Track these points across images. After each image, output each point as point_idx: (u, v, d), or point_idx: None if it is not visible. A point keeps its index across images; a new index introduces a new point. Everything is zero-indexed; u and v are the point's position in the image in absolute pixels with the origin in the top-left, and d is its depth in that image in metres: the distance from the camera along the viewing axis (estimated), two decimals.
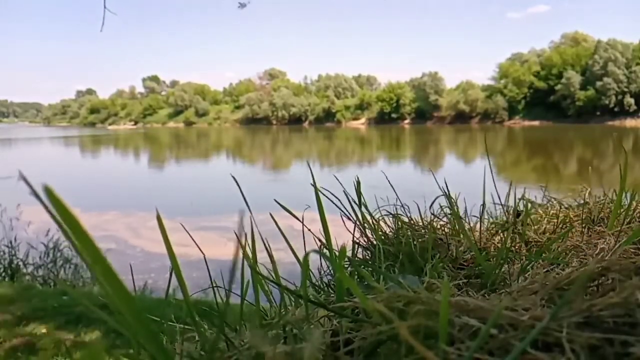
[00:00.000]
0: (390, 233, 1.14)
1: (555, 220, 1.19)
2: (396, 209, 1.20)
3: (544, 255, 0.93)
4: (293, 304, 0.75)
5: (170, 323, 0.81)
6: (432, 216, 1.19)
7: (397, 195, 1.25)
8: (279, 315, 0.66)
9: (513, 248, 1.03)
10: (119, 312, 0.48)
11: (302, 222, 0.98)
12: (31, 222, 7.96)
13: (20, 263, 7.75)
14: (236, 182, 0.88)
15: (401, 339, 0.47)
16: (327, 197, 0.99)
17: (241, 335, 0.66)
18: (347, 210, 1.07)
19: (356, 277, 0.91)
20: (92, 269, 0.43)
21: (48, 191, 0.37)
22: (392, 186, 1.30)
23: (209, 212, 14.40)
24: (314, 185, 0.87)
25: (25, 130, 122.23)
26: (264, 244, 0.86)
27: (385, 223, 1.17)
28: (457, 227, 1.10)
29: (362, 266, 0.99)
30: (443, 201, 1.21)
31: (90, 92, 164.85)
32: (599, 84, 73.21)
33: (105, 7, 6.02)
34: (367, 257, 1.05)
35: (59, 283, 7.34)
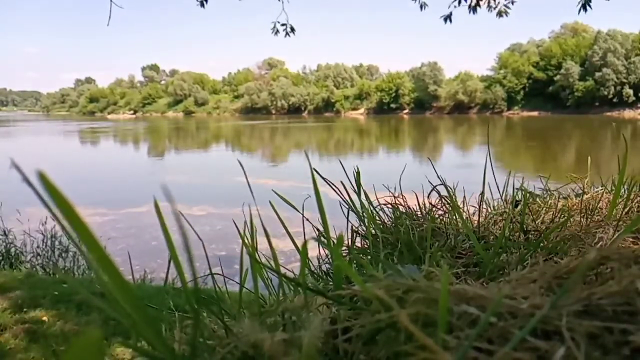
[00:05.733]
0: (389, 222, 1.14)
1: (554, 210, 1.19)
2: (395, 198, 1.20)
3: (542, 244, 0.93)
4: (292, 291, 0.75)
5: (170, 311, 0.81)
6: (431, 205, 1.19)
7: (399, 184, 1.25)
8: (278, 303, 0.66)
9: (511, 237, 1.03)
10: (116, 301, 0.48)
11: (301, 212, 0.97)
12: (31, 208, 7.93)
13: (19, 251, 7.75)
14: (242, 167, 0.88)
15: (400, 327, 0.47)
16: (328, 183, 0.99)
17: (240, 323, 0.66)
18: (346, 200, 1.07)
19: (354, 265, 0.91)
20: (87, 257, 0.43)
21: (42, 177, 0.37)
22: (385, 179, 1.30)
23: (209, 201, 14.41)
24: (312, 174, 0.86)
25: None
26: (264, 232, 0.86)
27: (384, 212, 1.17)
28: (455, 216, 1.10)
29: (361, 255, 0.99)
30: (442, 190, 1.20)
31: (89, 80, 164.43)
32: (598, 74, 73.03)
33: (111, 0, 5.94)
34: (366, 245, 1.05)
35: (56, 271, 7.35)
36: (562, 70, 76.32)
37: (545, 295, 0.54)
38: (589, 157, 1.80)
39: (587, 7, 7.93)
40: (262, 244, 0.85)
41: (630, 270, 0.51)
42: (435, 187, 1.20)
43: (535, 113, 78.28)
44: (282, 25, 8.37)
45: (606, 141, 34.63)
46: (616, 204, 1.12)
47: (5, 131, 63.46)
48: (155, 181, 19.88)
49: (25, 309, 5.02)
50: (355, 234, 1.07)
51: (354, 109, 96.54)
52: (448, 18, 8.73)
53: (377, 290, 0.51)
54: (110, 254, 0.45)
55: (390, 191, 1.22)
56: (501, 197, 1.30)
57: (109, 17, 5.94)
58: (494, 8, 8.73)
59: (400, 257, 0.95)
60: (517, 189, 1.28)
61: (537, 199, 1.34)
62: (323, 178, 0.93)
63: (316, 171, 0.87)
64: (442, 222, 1.10)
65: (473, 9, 8.60)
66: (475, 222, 1.13)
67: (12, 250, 7.71)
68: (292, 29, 8.52)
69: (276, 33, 8.49)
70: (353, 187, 1.09)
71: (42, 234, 7.80)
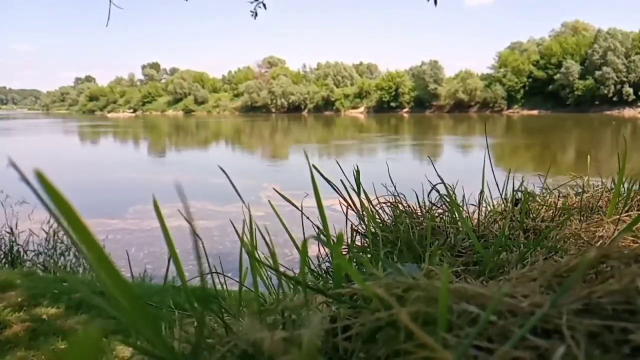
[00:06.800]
0: (389, 221, 1.14)
1: (554, 209, 1.19)
2: (395, 197, 1.20)
3: (542, 243, 0.93)
4: (291, 290, 0.75)
5: (169, 309, 0.81)
6: (431, 204, 1.19)
7: (395, 183, 1.25)
8: (278, 302, 0.65)
9: (511, 236, 1.03)
10: (116, 299, 0.48)
11: (301, 210, 0.97)
12: (33, 207, 7.89)
13: (21, 250, 7.74)
14: (224, 172, 0.87)
15: (400, 325, 0.47)
16: (328, 182, 0.99)
17: (240, 322, 0.66)
18: (346, 198, 1.07)
19: (354, 264, 0.91)
20: (86, 255, 0.43)
21: (40, 176, 0.37)
22: (385, 178, 1.30)
23: (209, 199, 14.40)
24: (311, 173, 0.86)
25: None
26: (263, 231, 0.86)
27: (384, 211, 1.17)
28: (455, 214, 1.10)
29: (361, 253, 0.99)
30: (442, 189, 1.20)
31: (89, 79, 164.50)
32: (598, 73, 73.02)
33: (110, 0, 5.85)
34: (366, 244, 1.05)
35: (57, 270, 7.35)
36: (562, 69, 76.28)
37: (545, 293, 0.54)
38: (589, 156, 1.81)
39: None
40: (263, 242, 0.85)
41: (630, 268, 0.51)
42: (435, 185, 1.20)
43: (535, 112, 78.27)
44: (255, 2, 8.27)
45: (606, 140, 34.64)
46: (616, 202, 1.12)
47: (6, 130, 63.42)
48: (155, 180, 19.90)
49: (25, 307, 5.02)
50: (355, 232, 1.07)
51: (354, 108, 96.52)
52: None
53: (377, 288, 0.51)
54: (109, 253, 0.45)
55: (390, 190, 1.22)
56: (501, 195, 1.30)
57: (108, 17, 5.89)
58: None
59: (400, 256, 0.95)
60: (517, 189, 1.28)
61: (537, 198, 1.34)
62: (319, 180, 0.93)
63: (313, 174, 0.87)
64: (442, 220, 1.10)
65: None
66: (475, 220, 1.13)
67: (15, 248, 7.70)
68: (264, 5, 8.43)
69: (255, 16, 8.42)
70: (352, 186, 1.09)
71: (45, 232, 7.79)
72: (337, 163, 1.11)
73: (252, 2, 8.00)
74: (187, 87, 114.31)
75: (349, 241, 1.04)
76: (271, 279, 0.86)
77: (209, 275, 0.86)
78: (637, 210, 1.11)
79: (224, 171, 0.88)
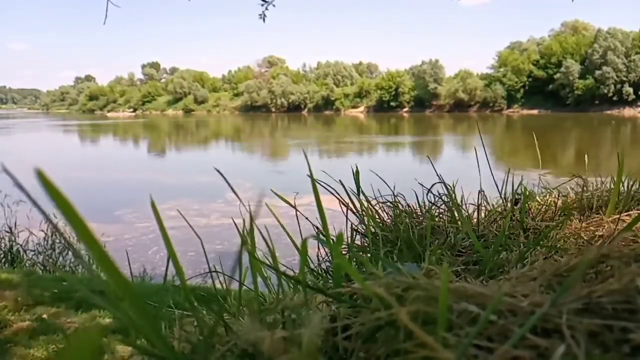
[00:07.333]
0: (389, 220, 1.14)
1: (554, 208, 1.19)
2: (394, 196, 1.20)
3: (542, 242, 0.93)
4: (291, 289, 0.75)
5: (169, 308, 0.81)
6: (430, 203, 1.19)
7: (395, 182, 1.25)
8: (278, 301, 0.65)
9: (511, 235, 1.03)
10: (115, 298, 0.48)
11: (300, 210, 0.97)
12: (32, 207, 7.85)
13: (20, 249, 7.73)
14: (221, 174, 0.87)
15: (400, 325, 0.47)
16: (326, 184, 0.99)
17: (240, 321, 0.66)
18: (345, 198, 1.07)
19: (354, 263, 0.91)
20: (84, 255, 0.43)
21: (40, 175, 0.37)
22: (384, 178, 1.29)
23: (208, 198, 14.40)
24: (310, 172, 0.86)
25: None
26: (263, 231, 0.86)
27: (384, 210, 1.17)
28: (455, 214, 1.10)
29: (360, 252, 0.99)
30: (441, 189, 1.20)
31: (89, 78, 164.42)
32: (598, 73, 73.00)
33: None
34: (365, 244, 1.05)
35: (56, 270, 7.34)
36: (562, 69, 76.25)
37: (545, 293, 0.54)
38: (586, 156, 1.80)
39: None
40: (263, 242, 0.85)
41: (630, 268, 0.51)
42: (434, 185, 1.20)
43: (535, 111, 78.25)
44: (265, 3, 8.18)
45: (606, 139, 34.61)
46: (616, 201, 1.12)
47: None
48: (154, 180, 19.90)
49: (25, 307, 5.02)
50: (354, 232, 1.07)
51: (353, 107, 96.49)
52: None
53: (377, 288, 0.51)
54: (110, 252, 0.44)
55: (390, 190, 1.22)
56: (500, 195, 1.30)
57: (105, 16, 5.88)
58: None
59: (400, 255, 0.95)
60: (516, 187, 1.28)
61: (537, 197, 1.34)
62: (319, 180, 0.92)
63: (312, 174, 0.86)
64: (442, 220, 1.10)
65: None
66: (475, 220, 1.13)
67: (15, 247, 7.70)
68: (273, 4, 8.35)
69: (264, 19, 8.35)
70: (352, 185, 1.09)
71: (44, 231, 7.78)
72: (344, 163, 1.10)
73: (262, 5, 7.92)
74: (187, 86, 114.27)
75: (349, 241, 1.04)
76: (271, 278, 0.86)
77: (209, 275, 0.86)
78: (637, 210, 1.11)
79: (220, 174, 0.88)
